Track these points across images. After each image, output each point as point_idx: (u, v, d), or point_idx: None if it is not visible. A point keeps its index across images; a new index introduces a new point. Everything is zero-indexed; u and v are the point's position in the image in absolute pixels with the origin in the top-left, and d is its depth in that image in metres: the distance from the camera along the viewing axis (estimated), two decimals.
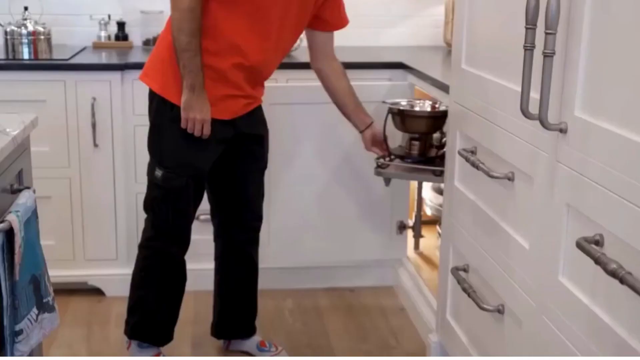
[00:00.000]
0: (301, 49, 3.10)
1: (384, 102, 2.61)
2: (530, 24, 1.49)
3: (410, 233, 3.05)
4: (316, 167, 2.88)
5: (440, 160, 2.46)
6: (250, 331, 2.57)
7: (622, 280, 1.20)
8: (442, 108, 2.49)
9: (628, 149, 1.25)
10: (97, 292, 2.95)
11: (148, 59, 2.33)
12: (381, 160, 2.52)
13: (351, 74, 2.78)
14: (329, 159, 2.89)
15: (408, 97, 2.83)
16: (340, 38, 3.25)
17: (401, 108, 2.53)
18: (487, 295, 1.93)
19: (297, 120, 2.85)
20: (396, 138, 2.62)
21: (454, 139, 2.16)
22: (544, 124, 1.46)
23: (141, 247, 2.39)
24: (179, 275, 2.41)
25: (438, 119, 2.51)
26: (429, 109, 2.57)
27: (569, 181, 1.46)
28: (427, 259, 3.00)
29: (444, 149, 2.37)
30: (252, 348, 2.56)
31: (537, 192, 1.62)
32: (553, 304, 1.54)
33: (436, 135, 2.63)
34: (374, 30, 3.46)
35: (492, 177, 1.81)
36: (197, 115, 2.16)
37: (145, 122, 2.32)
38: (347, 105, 2.48)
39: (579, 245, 1.34)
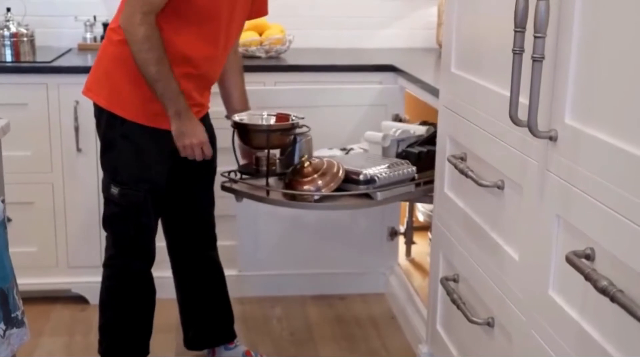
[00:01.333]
0: (290, 50, 3.04)
1: (226, 116, 2.37)
2: (519, 27, 1.43)
3: (401, 239, 2.99)
4: None
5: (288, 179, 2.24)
6: (231, 336, 2.50)
7: (612, 299, 1.13)
8: (296, 121, 2.29)
9: (619, 160, 1.18)
10: (81, 300, 2.89)
11: (90, 72, 2.24)
12: (232, 174, 2.31)
13: (341, 76, 2.73)
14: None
15: (398, 101, 2.77)
16: (331, 40, 3.20)
17: (237, 121, 2.28)
18: (477, 307, 1.87)
19: None
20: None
21: (444, 145, 2.10)
22: (533, 131, 1.40)
23: (105, 266, 2.31)
24: (147, 290, 2.32)
25: (282, 132, 2.28)
26: (271, 122, 2.34)
27: (558, 191, 1.40)
28: (418, 266, 2.94)
29: (299, 166, 2.23)
30: (237, 358, 2.50)
31: (527, 202, 1.55)
32: (543, 319, 1.47)
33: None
34: (366, 32, 3.39)
35: (480, 185, 1.75)
36: (192, 140, 2.11)
37: None
38: (233, 102, 2.38)
39: (568, 260, 1.27)
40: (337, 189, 2.19)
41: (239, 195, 2.27)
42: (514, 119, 1.47)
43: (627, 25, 1.18)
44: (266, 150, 2.25)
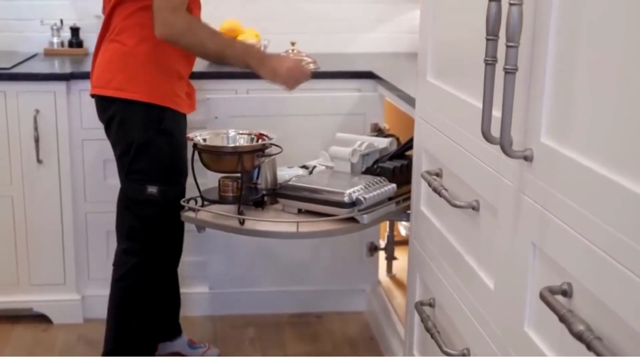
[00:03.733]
0: None
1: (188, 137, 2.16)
2: (492, 35, 1.29)
3: (382, 255, 2.84)
4: None
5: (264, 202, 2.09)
6: (177, 331, 2.48)
7: (589, 347, 0.99)
8: (268, 142, 2.12)
9: (598, 186, 1.04)
10: (43, 319, 2.74)
11: (111, 73, 2.17)
12: (192, 202, 2.10)
13: (318, 83, 2.60)
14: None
15: (378, 110, 2.62)
16: (311, 45, 3.06)
17: (195, 141, 2.10)
18: (453, 336, 1.73)
19: None
20: None
21: (420, 159, 1.96)
22: (505, 150, 1.26)
23: (122, 279, 2.22)
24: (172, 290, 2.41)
25: (254, 154, 2.08)
26: (242, 142, 2.17)
27: (534, 217, 1.26)
28: (399, 283, 2.80)
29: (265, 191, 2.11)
30: (182, 347, 2.47)
31: (502, 227, 1.41)
32: (518, 355, 1.33)
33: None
34: (348, 35, 3.25)
35: (454, 206, 1.60)
36: (289, 64, 2.17)
37: (96, 136, 2.15)
38: None
39: (542, 297, 1.13)
40: (319, 214, 2.03)
41: (203, 225, 2.09)
42: (486, 136, 1.33)
43: (607, 35, 1.04)
44: (233, 174, 2.08)
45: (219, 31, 2.17)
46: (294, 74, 2.14)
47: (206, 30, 2.11)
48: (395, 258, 2.86)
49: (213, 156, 2.08)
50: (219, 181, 2.09)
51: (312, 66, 2.76)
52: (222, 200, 2.07)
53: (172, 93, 2.19)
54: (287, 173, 2.15)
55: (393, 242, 2.82)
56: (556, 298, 1.12)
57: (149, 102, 2.14)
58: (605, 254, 1.02)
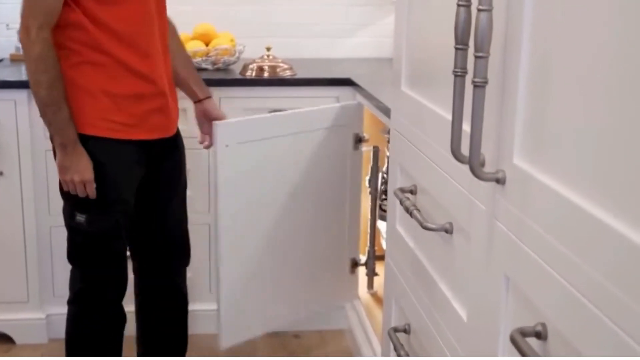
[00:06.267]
0: (241, 62, 2.78)
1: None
2: (461, 44, 1.16)
3: (363, 270, 2.71)
4: (259, 203, 2.54)
5: None
6: None
7: None
8: None
9: (575, 218, 0.91)
10: (6, 339, 2.61)
11: None
12: None
13: (295, 91, 2.47)
14: (271, 193, 2.55)
15: (358, 119, 2.50)
16: (290, 50, 2.93)
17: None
18: None
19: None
20: None
21: (394, 175, 1.83)
22: (474, 171, 1.13)
23: (71, 303, 2.10)
24: (120, 323, 2.15)
25: None
26: None
27: (506, 247, 1.13)
28: (380, 300, 2.66)
29: None
30: None
31: (475, 255, 1.28)
32: None
33: None
34: (328, 40, 3.12)
35: (426, 228, 1.47)
36: (74, 177, 1.90)
37: None
38: (177, 72, 2.18)
39: (513, 341, 1.00)
40: None
41: None
42: (456, 154, 1.20)
43: (586, 45, 0.91)
44: None
45: (62, 91, 1.89)
46: (72, 185, 1.93)
47: (52, 75, 1.87)
48: (376, 274, 2.73)
49: None
50: None
51: (288, 73, 2.63)
52: None
53: (99, 118, 1.97)
54: None
55: (374, 257, 2.69)
56: (527, 342, 0.99)
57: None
58: (582, 297, 0.89)
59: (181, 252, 2.26)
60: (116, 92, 1.96)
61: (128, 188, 2.04)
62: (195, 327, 2.56)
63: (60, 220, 2.03)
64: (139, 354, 2.30)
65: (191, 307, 2.34)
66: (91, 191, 1.92)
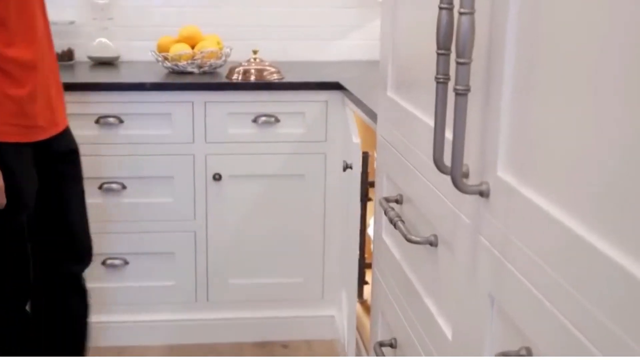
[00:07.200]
0: (228, 65, 2.72)
1: None
2: (443, 49, 1.10)
3: None
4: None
5: None
6: None
7: None
8: None
9: (562, 239, 0.85)
10: None
11: None
12: None
13: (282, 95, 2.41)
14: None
15: (347, 125, 2.43)
16: (278, 53, 2.87)
17: None
18: None
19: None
20: None
21: (381, 183, 1.77)
22: (456, 182, 1.07)
23: None
24: (25, 330, 2.05)
25: None
26: None
27: (491, 264, 1.07)
28: (370, 310, 2.60)
29: None
30: None
31: (459, 270, 1.22)
32: None
33: None
34: (317, 43, 3.06)
35: (410, 241, 1.41)
36: None
37: None
38: None
39: None
40: None
41: None
42: (438, 164, 1.14)
43: (573, 49, 0.85)
44: None
45: None
46: None
47: None
48: (366, 282, 2.66)
49: None
50: None
51: (275, 76, 2.57)
52: None
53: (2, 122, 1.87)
54: None
55: (364, 265, 2.63)
56: None
57: None
58: (565, 320, 0.83)
59: (85, 243, 2.17)
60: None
61: (29, 190, 1.95)
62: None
63: None
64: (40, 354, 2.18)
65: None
66: (1, 199, 1.85)
